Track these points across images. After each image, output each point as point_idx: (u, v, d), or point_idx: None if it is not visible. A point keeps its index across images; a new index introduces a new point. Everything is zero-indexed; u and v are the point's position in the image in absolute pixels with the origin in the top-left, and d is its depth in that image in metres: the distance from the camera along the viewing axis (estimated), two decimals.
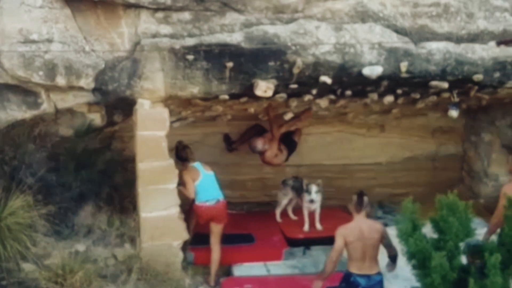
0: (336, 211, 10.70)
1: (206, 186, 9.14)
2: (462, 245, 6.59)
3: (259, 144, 10.17)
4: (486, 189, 11.11)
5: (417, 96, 9.26)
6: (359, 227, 7.55)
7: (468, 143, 11.59)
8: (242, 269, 9.27)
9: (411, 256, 6.51)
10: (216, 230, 9.16)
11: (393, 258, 7.67)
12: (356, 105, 9.93)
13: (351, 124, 11.11)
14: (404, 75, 8.50)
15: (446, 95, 9.23)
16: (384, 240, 7.54)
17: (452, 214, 6.45)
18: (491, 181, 11.04)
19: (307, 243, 9.98)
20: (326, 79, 8.40)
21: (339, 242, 7.50)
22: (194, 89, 8.26)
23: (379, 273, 7.61)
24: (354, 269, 7.56)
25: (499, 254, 6.14)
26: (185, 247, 8.90)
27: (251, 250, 9.74)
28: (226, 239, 9.36)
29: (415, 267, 6.62)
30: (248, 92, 8.43)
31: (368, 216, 7.78)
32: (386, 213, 11.06)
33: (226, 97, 8.48)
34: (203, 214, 9.13)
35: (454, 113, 9.36)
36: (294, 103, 9.20)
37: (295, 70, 8.25)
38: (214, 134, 10.74)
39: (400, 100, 9.47)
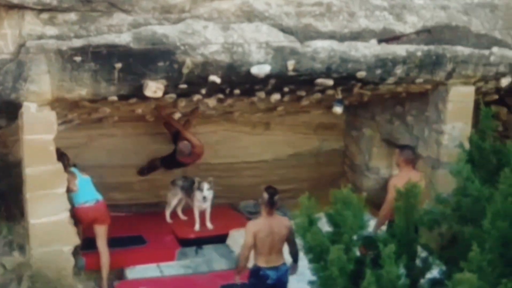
0: (225, 209, 10.82)
1: (83, 189, 9.07)
2: (356, 237, 6.81)
3: (185, 145, 10.29)
4: (368, 182, 11.50)
5: (303, 93, 9.46)
6: (269, 223, 7.65)
7: (350, 138, 11.96)
8: (135, 272, 9.18)
9: (308, 250, 6.65)
10: (100, 232, 9.07)
11: (294, 255, 7.81)
12: (243, 104, 10.03)
13: (236, 123, 11.22)
14: (291, 73, 8.65)
15: (330, 92, 9.47)
16: (291, 236, 7.63)
17: (346, 207, 6.63)
18: (373, 174, 11.43)
19: (199, 242, 10.00)
20: (215, 78, 8.42)
21: (249, 238, 7.60)
22: (82, 91, 8.08)
23: (285, 264, 7.78)
24: (262, 263, 7.69)
25: (393, 244, 6.37)
26: (76, 252, 8.71)
27: (143, 252, 9.67)
28: (117, 242, 9.31)
29: (312, 261, 6.77)
30: (138, 93, 8.33)
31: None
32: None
33: (115, 98, 8.35)
34: (84, 215, 9.03)
35: (338, 109, 9.63)
36: (182, 103, 9.19)
37: (185, 70, 8.23)
38: (100, 136, 10.55)
39: (286, 98, 9.65)
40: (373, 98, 10.56)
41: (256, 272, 7.74)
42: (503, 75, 9.87)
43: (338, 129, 12.01)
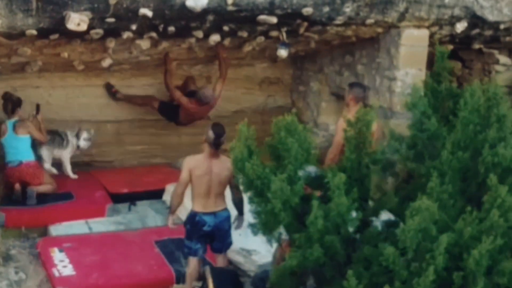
0: (162, 167, 10.07)
1: (8, 147, 8.83)
2: (300, 173, 6.06)
3: (209, 89, 9.76)
4: (316, 139, 10.64)
5: (245, 34, 8.69)
6: (209, 161, 6.93)
7: (296, 93, 11.25)
8: (60, 229, 8.33)
9: (248, 184, 5.88)
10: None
11: (238, 203, 7.09)
12: (180, 51, 9.26)
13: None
14: (230, 8, 7.88)
15: (275, 34, 8.75)
16: (233, 179, 6.78)
17: (290, 135, 5.89)
18: (321, 130, 10.75)
19: (132, 198, 9.22)
20: (146, 11, 7.62)
21: (185, 174, 6.91)
22: None
23: (226, 209, 7.05)
24: (198, 208, 6.97)
25: (343, 174, 5.65)
26: None
27: (70, 208, 8.78)
28: (42, 199, 8.60)
29: (252, 199, 6.01)
30: (59, 26, 7.48)
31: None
32: None
33: (34, 32, 7.47)
34: (9, 176, 8.77)
35: (283, 52, 8.89)
36: (112, 43, 8.35)
37: (112, 1, 7.42)
38: (23, 88, 9.60)
39: (226, 41, 8.90)
40: (321, 47, 9.89)
41: (192, 217, 7.01)
42: (458, 19, 9.26)
43: (284, 84, 11.27)
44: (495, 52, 10.75)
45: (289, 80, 11.27)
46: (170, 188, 9.09)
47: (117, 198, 9.13)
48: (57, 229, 8.29)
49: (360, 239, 5.81)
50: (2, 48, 8.03)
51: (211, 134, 6.92)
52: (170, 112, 9.87)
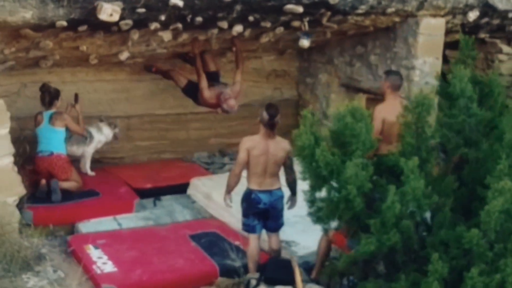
0: (177, 162, 9.94)
1: (42, 137, 8.73)
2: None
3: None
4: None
5: (268, 24, 8.59)
6: (265, 142, 6.93)
7: (303, 86, 11.18)
8: (89, 226, 8.10)
9: (317, 171, 5.78)
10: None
11: (292, 183, 7.09)
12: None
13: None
14: None
15: (296, 24, 8.69)
16: (288, 161, 6.95)
17: (357, 121, 5.83)
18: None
19: (157, 193, 9.04)
20: (177, 1, 7.49)
21: (242, 154, 6.92)
22: (27, 14, 6.97)
23: (280, 189, 7.05)
24: (254, 186, 6.98)
25: (416, 157, 5.61)
26: (22, 204, 7.62)
27: (97, 205, 8.56)
28: (68, 197, 8.43)
29: (316, 186, 5.93)
30: (90, 17, 7.29)
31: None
32: (233, 160, 10.30)
33: (64, 23, 7.26)
34: (37, 165, 8.63)
35: (305, 42, 8.85)
36: (135, 35, 8.15)
37: None
38: (33, 84, 9.32)
39: (247, 32, 8.79)
40: (332, 38, 9.84)
41: (248, 195, 7.03)
42: (471, 8, 9.34)
43: (291, 77, 11.20)
44: (498, 41, 10.85)
45: (295, 72, 11.21)
46: (196, 183, 8.97)
47: (141, 194, 8.94)
48: (86, 226, 8.07)
49: (433, 223, 5.77)
50: (24, 41, 7.80)
51: (265, 115, 6.95)
52: (194, 93, 9.50)
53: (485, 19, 9.74)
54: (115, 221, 8.25)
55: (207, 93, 9.14)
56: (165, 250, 7.55)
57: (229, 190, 7.10)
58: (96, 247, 7.46)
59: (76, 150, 9.18)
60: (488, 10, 9.49)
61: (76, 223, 8.13)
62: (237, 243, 7.62)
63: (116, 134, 9.42)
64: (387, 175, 6.01)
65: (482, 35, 10.47)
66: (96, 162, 9.86)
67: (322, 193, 6.05)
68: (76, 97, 9.09)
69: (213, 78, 9.41)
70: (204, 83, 9.14)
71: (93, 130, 9.27)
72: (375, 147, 6.02)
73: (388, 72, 8.16)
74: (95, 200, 8.63)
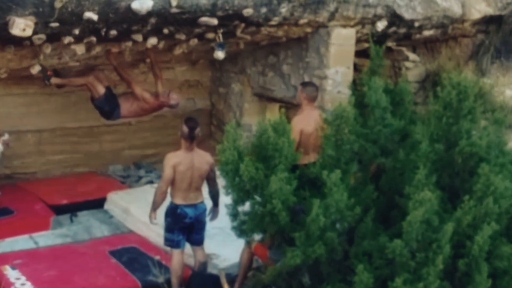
0: (92, 175, 9.75)
1: None
2: None
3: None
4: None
5: (182, 37, 8.58)
6: (190, 157, 6.95)
7: (216, 95, 11.22)
8: (4, 246, 7.85)
9: (241, 185, 5.82)
10: None
11: (215, 196, 7.16)
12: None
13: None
14: (174, 10, 7.78)
15: (210, 36, 8.71)
16: (212, 173, 7.05)
17: (279, 136, 5.90)
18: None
19: (73, 209, 8.82)
20: (91, 15, 7.40)
21: (169, 171, 6.88)
22: None
23: (203, 202, 7.12)
24: (179, 201, 6.98)
25: (339, 170, 5.73)
26: None
27: (12, 223, 8.34)
28: None
29: (239, 199, 5.98)
30: (2, 32, 7.13)
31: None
32: (148, 172, 10.26)
33: None
34: None
35: (220, 53, 8.88)
36: (48, 49, 8.01)
37: (57, 4, 7.13)
38: None
39: (161, 44, 8.74)
40: (245, 48, 9.90)
41: (173, 210, 7.03)
42: (380, 18, 9.57)
43: (204, 87, 11.21)
44: (404, 49, 11.17)
45: (208, 82, 11.25)
46: (113, 197, 8.85)
47: (57, 210, 8.76)
48: (1, 246, 7.82)
49: (355, 233, 5.89)
50: None
51: (185, 128, 7.01)
52: (111, 103, 9.35)
53: (393, 28, 9.99)
54: (32, 239, 8.04)
55: (147, 94, 9.26)
56: (85, 267, 7.44)
57: (155, 207, 7.08)
58: (13, 268, 7.27)
59: None
60: (395, 19, 9.75)
61: None
62: (157, 257, 7.56)
63: (6, 141, 8.93)
64: (309, 186, 6.08)
65: (389, 43, 10.72)
66: (7, 178, 9.63)
67: (246, 207, 6.09)
68: None
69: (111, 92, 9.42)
70: (138, 87, 9.29)
71: None
72: (297, 161, 6.09)
73: (305, 84, 8.27)
74: (9, 218, 8.41)
